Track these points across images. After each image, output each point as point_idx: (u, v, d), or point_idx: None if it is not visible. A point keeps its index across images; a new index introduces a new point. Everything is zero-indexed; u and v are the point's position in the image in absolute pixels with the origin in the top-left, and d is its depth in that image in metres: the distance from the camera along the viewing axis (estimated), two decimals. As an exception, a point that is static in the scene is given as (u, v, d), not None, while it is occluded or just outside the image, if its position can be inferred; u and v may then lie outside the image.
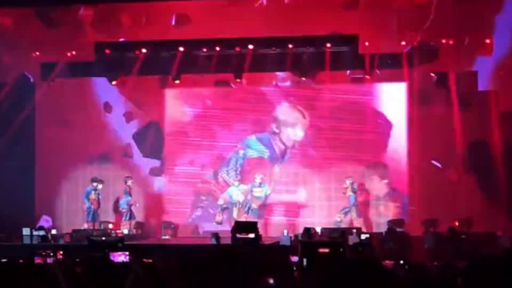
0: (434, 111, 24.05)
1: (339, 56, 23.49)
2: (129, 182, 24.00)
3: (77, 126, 25.24)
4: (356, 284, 2.26)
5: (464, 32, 23.39)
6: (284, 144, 25.29)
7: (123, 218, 23.94)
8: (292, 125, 25.28)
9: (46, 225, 23.24)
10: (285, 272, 8.09)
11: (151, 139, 25.59)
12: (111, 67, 24.35)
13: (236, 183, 24.42)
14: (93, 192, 23.49)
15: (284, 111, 25.35)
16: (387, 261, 11.05)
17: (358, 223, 23.43)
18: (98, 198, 23.55)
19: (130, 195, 23.93)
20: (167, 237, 23.76)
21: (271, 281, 7.97)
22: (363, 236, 20.56)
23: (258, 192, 24.15)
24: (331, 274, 2.31)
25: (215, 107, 25.53)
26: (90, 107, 25.52)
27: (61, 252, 16.52)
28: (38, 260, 14.19)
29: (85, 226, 23.18)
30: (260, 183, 24.12)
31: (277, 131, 25.29)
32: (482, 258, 3.80)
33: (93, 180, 23.63)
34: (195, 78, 24.82)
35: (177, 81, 24.50)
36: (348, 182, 23.70)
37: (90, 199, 23.41)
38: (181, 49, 23.82)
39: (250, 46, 23.48)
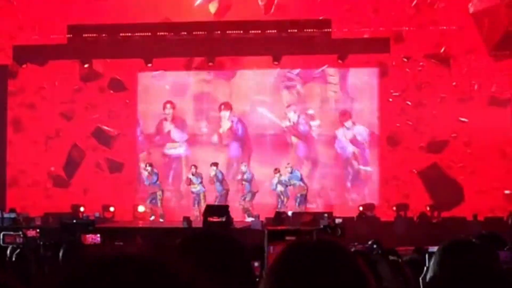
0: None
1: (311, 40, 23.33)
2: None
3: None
4: (312, 262, 2.31)
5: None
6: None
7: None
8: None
9: None
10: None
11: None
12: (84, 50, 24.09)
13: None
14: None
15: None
16: (360, 245, 11.05)
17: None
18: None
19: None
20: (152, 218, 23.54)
21: (256, 264, 7.92)
22: (337, 221, 20.50)
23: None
24: (286, 252, 2.35)
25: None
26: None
27: (31, 234, 16.39)
28: (8, 240, 14.02)
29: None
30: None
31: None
32: (453, 240, 3.81)
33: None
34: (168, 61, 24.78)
35: (149, 65, 24.34)
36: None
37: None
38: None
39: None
